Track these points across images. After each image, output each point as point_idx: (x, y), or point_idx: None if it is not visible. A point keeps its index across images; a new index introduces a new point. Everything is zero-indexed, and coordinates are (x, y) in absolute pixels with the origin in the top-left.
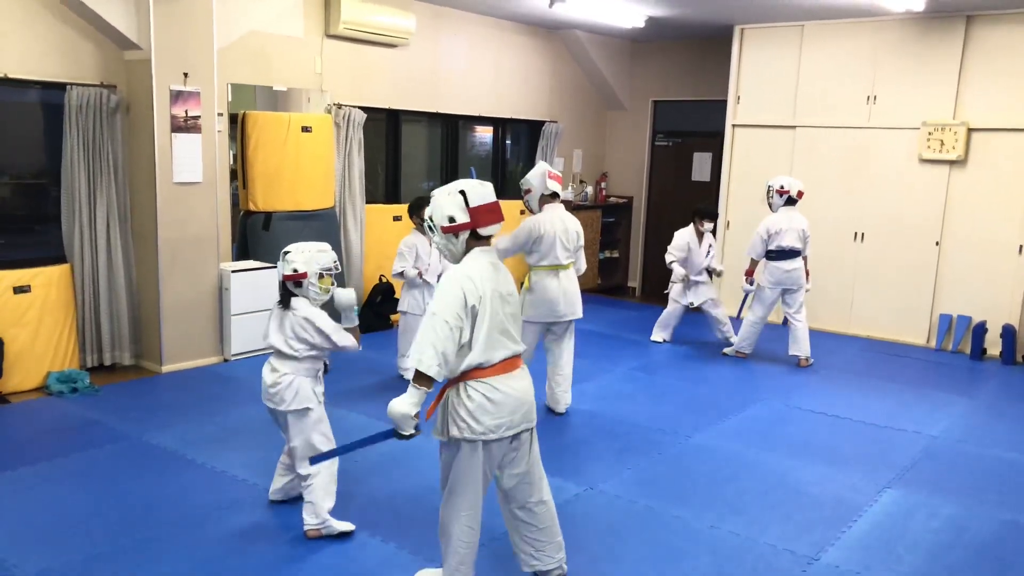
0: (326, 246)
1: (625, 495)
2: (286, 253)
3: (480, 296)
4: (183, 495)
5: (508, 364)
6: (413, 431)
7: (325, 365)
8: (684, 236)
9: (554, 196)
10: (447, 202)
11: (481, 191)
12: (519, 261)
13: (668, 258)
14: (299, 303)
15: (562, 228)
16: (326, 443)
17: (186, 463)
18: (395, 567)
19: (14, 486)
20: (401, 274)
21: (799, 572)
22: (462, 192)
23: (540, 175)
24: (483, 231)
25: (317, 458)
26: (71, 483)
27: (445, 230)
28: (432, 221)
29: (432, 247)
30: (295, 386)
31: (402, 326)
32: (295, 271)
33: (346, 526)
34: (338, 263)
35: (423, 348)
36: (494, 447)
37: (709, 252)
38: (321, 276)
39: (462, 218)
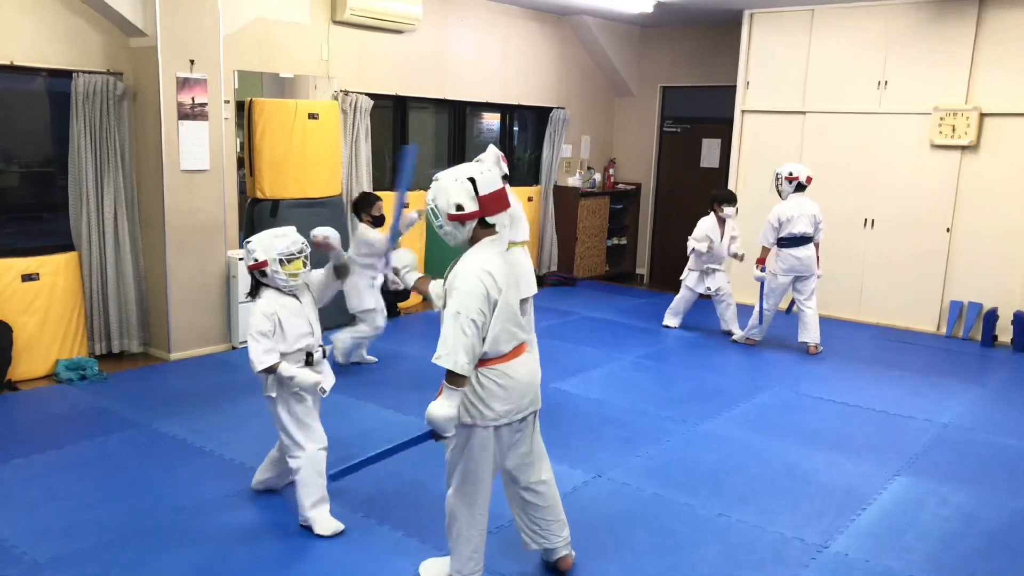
0: (286, 231)
1: (633, 483)
2: (248, 243)
3: (500, 289)
4: (192, 483)
5: (517, 350)
6: (454, 431)
7: (309, 356)
8: (705, 225)
9: (505, 178)
10: (455, 189)
11: (489, 178)
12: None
13: (689, 246)
14: (263, 294)
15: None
16: (300, 433)
17: (195, 451)
18: (404, 554)
19: (24, 473)
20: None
21: (808, 560)
22: (471, 179)
23: (494, 158)
24: (491, 219)
25: (338, 473)
26: (80, 471)
27: (452, 218)
28: (436, 206)
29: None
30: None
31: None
32: (256, 260)
33: (329, 528)
34: (303, 245)
35: (456, 350)
36: (504, 432)
37: (732, 240)
38: (284, 262)
39: (471, 206)
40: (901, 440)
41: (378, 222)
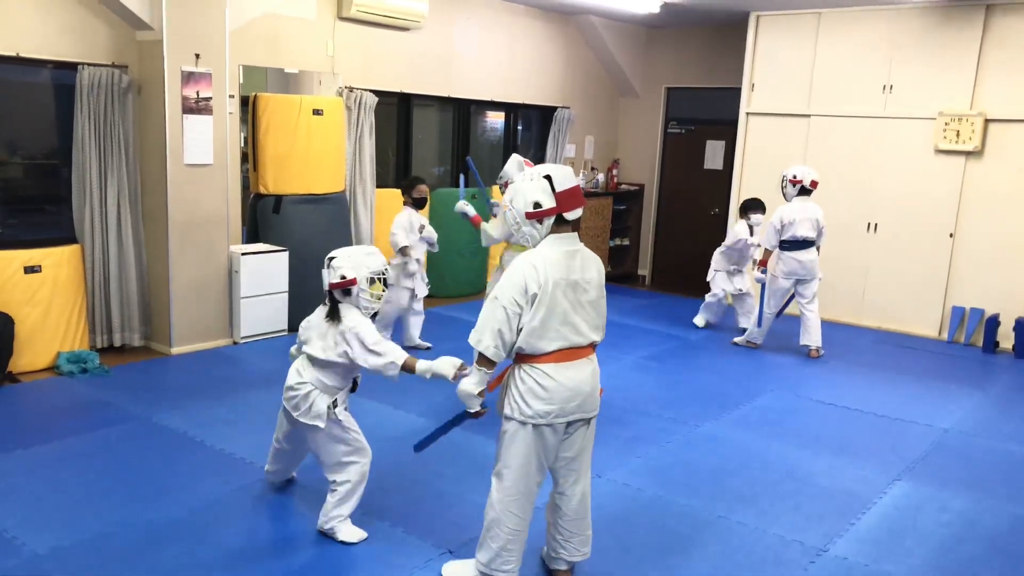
0: (374, 250)
1: (634, 484)
2: (331, 259)
3: (541, 284)
4: (192, 477)
5: (568, 354)
6: (480, 408)
7: (355, 382)
8: (738, 230)
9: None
10: (531, 187)
11: (565, 176)
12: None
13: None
14: (348, 313)
15: None
16: (349, 454)
17: (195, 445)
18: (410, 555)
19: (25, 465)
20: (403, 249)
21: (807, 563)
22: (547, 177)
23: (517, 166)
24: (568, 215)
25: (420, 444)
26: (81, 463)
27: (530, 216)
28: (513, 207)
29: (421, 226)
30: (310, 399)
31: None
32: (343, 278)
33: (355, 536)
34: (387, 268)
35: (483, 331)
36: (546, 432)
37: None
38: (372, 281)
39: (548, 203)
40: (902, 444)
41: (418, 204)
